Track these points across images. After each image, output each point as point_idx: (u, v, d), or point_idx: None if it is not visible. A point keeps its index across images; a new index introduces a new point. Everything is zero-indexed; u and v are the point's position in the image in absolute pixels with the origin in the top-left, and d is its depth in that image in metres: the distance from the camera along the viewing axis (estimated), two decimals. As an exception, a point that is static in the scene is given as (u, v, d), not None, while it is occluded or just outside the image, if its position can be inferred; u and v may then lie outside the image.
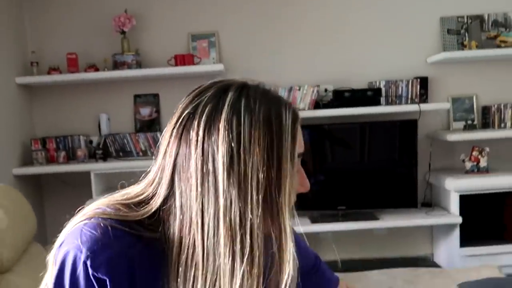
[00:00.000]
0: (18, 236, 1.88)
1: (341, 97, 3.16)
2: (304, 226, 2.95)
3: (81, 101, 3.36)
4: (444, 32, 3.34)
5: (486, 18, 3.34)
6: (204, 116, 0.73)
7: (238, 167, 0.70)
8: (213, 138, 0.71)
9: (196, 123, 0.73)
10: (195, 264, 0.73)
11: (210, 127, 0.72)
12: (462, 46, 3.34)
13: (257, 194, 0.70)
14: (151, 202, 0.79)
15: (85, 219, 0.77)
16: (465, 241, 3.06)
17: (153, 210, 0.78)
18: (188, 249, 0.73)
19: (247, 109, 0.73)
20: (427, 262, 3.40)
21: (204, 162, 0.71)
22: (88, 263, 0.72)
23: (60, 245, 0.77)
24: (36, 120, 3.36)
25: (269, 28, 3.35)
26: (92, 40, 3.31)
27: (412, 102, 3.25)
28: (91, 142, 3.30)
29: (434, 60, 3.30)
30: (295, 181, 0.76)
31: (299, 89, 3.19)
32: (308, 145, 3.22)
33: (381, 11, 3.36)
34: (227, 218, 0.70)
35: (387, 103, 3.27)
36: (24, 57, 3.26)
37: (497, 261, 2.83)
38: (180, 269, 0.74)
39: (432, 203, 3.34)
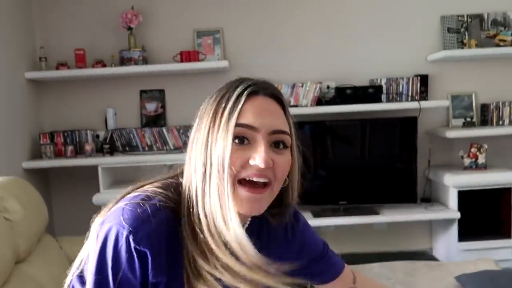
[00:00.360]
0: (32, 228, 1.95)
1: (343, 94, 3.22)
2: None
3: (88, 96, 3.42)
4: (444, 30, 3.40)
5: (486, 17, 3.40)
6: None
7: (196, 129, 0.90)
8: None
9: None
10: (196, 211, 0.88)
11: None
12: (462, 44, 3.39)
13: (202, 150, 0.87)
14: (179, 177, 0.95)
15: (124, 201, 0.87)
16: (463, 236, 3.13)
17: (179, 183, 0.93)
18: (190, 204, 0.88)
19: (216, 92, 0.92)
20: (426, 256, 3.46)
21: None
22: (131, 237, 0.81)
23: (102, 222, 0.86)
24: (44, 114, 3.42)
25: (273, 25, 3.41)
26: (100, 36, 3.37)
27: (412, 99, 3.30)
28: (97, 136, 3.37)
29: (434, 58, 3.36)
30: (229, 141, 0.84)
31: (302, 86, 3.25)
32: (310, 141, 3.28)
33: (383, 10, 3.42)
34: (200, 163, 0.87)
35: (388, 100, 3.33)
36: (33, 52, 3.32)
37: (494, 255, 2.89)
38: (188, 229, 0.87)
39: (431, 199, 3.40)
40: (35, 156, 3.25)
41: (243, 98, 0.87)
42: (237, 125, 0.85)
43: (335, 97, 3.25)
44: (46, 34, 3.38)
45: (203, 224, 0.86)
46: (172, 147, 3.33)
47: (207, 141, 0.87)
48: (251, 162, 0.85)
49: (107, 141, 3.29)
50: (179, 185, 0.92)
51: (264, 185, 0.87)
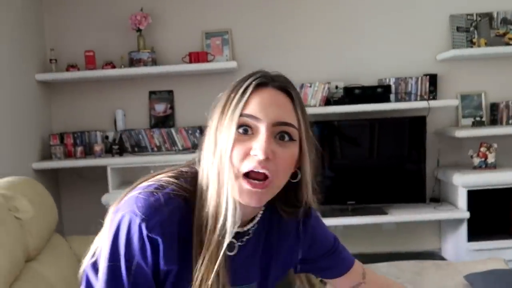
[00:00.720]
0: (42, 227, 1.97)
1: (351, 94, 3.21)
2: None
3: (98, 98, 3.45)
4: (453, 29, 3.38)
5: (495, 15, 3.38)
6: None
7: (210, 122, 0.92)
8: None
9: None
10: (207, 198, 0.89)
11: None
12: (471, 43, 3.38)
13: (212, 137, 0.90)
14: (194, 167, 0.96)
15: (138, 190, 0.89)
16: (472, 236, 3.11)
17: (195, 172, 0.94)
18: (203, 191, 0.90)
19: (232, 83, 0.92)
20: (435, 256, 3.43)
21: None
22: (143, 225, 0.83)
23: (116, 211, 0.88)
24: (54, 116, 3.46)
25: (281, 26, 3.42)
26: (109, 38, 3.40)
27: (421, 99, 3.29)
28: (107, 137, 3.39)
29: (443, 57, 3.34)
30: (233, 130, 0.86)
31: (310, 86, 3.25)
32: (319, 141, 3.27)
33: (391, 9, 3.41)
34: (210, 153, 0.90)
35: (397, 99, 3.32)
36: (43, 54, 3.36)
37: (504, 255, 2.85)
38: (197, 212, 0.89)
39: (440, 199, 3.38)
40: (45, 157, 3.28)
41: (250, 89, 0.88)
42: (241, 115, 0.86)
43: (344, 97, 3.24)
44: (56, 36, 3.42)
45: (206, 212, 0.88)
46: (180, 148, 3.35)
47: (216, 130, 0.89)
48: (252, 152, 0.86)
49: (116, 142, 3.32)
50: (194, 173, 0.94)
51: (265, 178, 0.86)
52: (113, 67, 3.26)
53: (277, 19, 3.42)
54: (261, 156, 0.84)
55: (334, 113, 3.22)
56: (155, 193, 0.86)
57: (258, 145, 0.85)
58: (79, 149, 3.24)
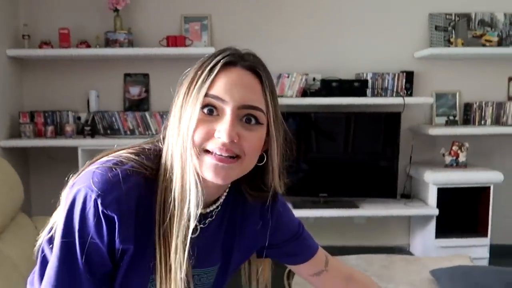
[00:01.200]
0: (6, 205, 1.91)
1: (328, 87, 3.21)
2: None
3: (71, 77, 3.37)
4: (432, 28, 3.40)
5: (473, 17, 3.41)
6: None
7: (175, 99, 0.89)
8: None
9: None
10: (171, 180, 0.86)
11: None
12: (448, 43, 3.41)
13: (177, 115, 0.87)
14: (158, 144, 0.93)
15: (96, 164, 0.85)
16: (440, 233, 3.15)
17: (158, 149, 0.91)
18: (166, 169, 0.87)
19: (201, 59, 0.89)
20: (403, 252, 3.49)
21: None
22: (99, 201, 0.80)
23: (72, 185, 0.85)
24: (25, 93, 3.37)
25: (261, 14, 3.39)
26: (85, 16, 3.32)
27: (397, 95, 3.31)
28: (79, 118, 3.32)
29: (421, 55, 3.36)
30: (197, 110, 0.83)
31: (288, 77, 3.24)
32: (294, 133, 3.27)
33: (372, 4, 3.41)
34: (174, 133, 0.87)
35: (373, 95, 3.34)
36: (16, 29, 3.26)
37: (470, 253, 2.90)
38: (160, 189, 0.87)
39: (411, 195, 3.42)
40: (14, 135, 3.19)
41: (217, 68, 0.85)
42: (207, 95, 0.84)
43: (321, 89, 3.24)
44: (30, 11, 3.32)
45: (172, 194, 0.85)
46: (154, 132, 3.30)
47: (181, 108, 0.86)
48: (216, 134, 0.83)
49: (89, 123, 3.25)
50: (158, 151, 0.91)
51: (231, 158, 0.84)
52: (88, 46, 3.19)
53: (258, 7, 3.38)
54: (225, 139, 0.82)
55: (310, 104, 3.21)
56: (113, 169, 0.83)
57: (223, 128, 0.82)
58: (50, 128, 3.17)
